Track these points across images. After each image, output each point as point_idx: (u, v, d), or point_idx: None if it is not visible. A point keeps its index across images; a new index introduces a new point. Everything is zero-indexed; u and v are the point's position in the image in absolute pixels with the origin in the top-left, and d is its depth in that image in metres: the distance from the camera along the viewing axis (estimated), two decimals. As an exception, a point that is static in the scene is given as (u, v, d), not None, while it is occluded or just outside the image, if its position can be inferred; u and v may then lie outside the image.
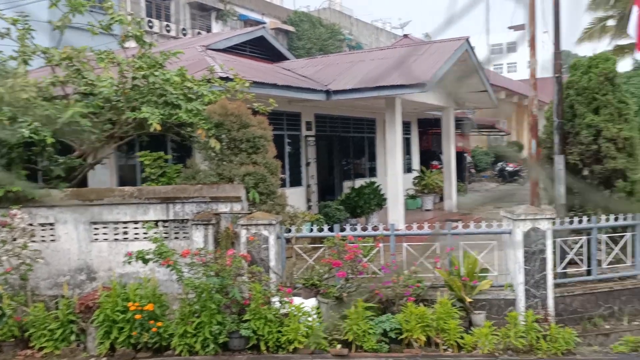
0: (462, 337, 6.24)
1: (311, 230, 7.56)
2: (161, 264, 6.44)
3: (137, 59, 8.22)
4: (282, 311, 6.40)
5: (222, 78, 8.86)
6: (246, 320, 6.27)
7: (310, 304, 6.56)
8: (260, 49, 17.27)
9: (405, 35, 28.90)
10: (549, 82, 8.69)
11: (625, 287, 7.22)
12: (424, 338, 6.26)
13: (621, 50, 31.38)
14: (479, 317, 6.56)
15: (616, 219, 7.38)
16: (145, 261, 6.51)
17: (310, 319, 6.33)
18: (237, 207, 7.36)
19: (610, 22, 31.48)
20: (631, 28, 16.25)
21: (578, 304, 7.01)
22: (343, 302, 6.70)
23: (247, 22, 29.76)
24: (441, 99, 14.93)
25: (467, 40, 13.49)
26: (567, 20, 9.18)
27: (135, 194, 7.49)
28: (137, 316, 6.21)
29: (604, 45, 32.89)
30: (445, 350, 6.25)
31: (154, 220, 7.39)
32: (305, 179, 13.81)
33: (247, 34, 17.06)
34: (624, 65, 31.74)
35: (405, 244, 7.22)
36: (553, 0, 8.40)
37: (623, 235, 7.48)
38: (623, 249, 7.47)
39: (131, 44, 8.83)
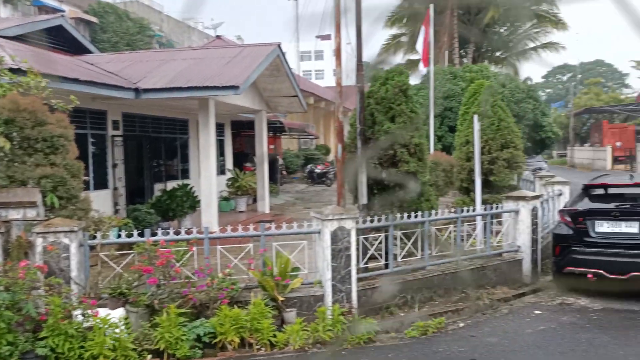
0: (274, 336, 6.42)
1: (119, 236, 7.13)
2: None
3: None
4: (86, 325, 5.93)
5: (12, 70, 7.91)
6: (43, 338, 5.69)
7: (117, 314, 6.18)
8: (58, 39, 15.81)
9: (218, 37, 28.81)
10: (352, 90, 9.35)
11: (416, 277, 8.07)
12: (238, 340, 6.30)
13: (413, 64, 35.12)
14: (291, 314, 6.81)
15: (409, 217, 8.22)
16: None
17: (117, 330, 5.96)
18: (31, 213, 6.63)
19: (404, 39, 35.14)
20: (419, 45, 18.34)
21: (378, 295, 7.64)
22: (155, 310, 6.44)
23: (42, 8, 26.99)
24: (254, 102, 15.19)
25: (279, 45, 13.92)
26: (367, 34, 9.99)
27: None
28: None
29: (399, 58, 36.57)
30: (258, 349, 6.36)
31: None
32: (112, 181, 12.98)
33: (44, 22, 15.53)
34: (415, 78, 35.58)
35: (219, 247, 7.20)
36: (355, 14, 9.07)
37: (415, 232, 8.37)
38: (415, 244, 8.35)
39: None
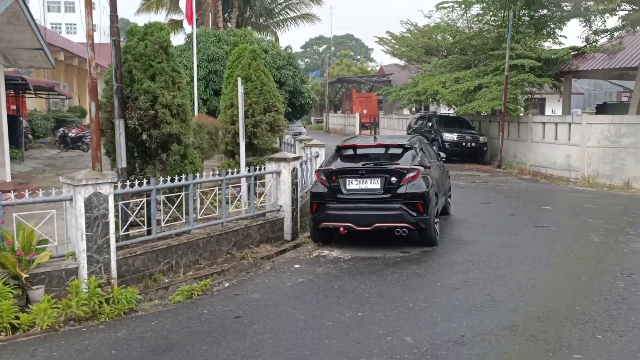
0: (17, 318, 5.66)
1: None
2: None
3: None
4: None
5: None
6: None
7: None
8: None
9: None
10: (109, 47, 8.55)
11: (181, 242, 7.88)
12: (-31, 328, 5.40)
13: (177, 25, 33.88)
14: (38, 292, 6.06)
15: (172, 180, 7.94)
16: None
17: None
18: None
19: (166, -3, 33.56)
20: (182, 3, 17.71)
21: (140, 263, 7.28)
22: None
23: None
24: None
25: (17, -12, 12.02)
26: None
27: None
28: None
29: (161, 18, 34.93)
30: (-3, 336, 5.55)
31: None
32: None
33: None
34: (179, 39, 34.34)
35: (-60, 222, 6.01)
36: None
37: (179, 195, 8.13)
38: (179, 208, 8.13)
39: None
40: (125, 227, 7.36)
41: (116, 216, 7.09)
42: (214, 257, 8.35)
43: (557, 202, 13.60)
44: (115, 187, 6.97)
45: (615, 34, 19.79)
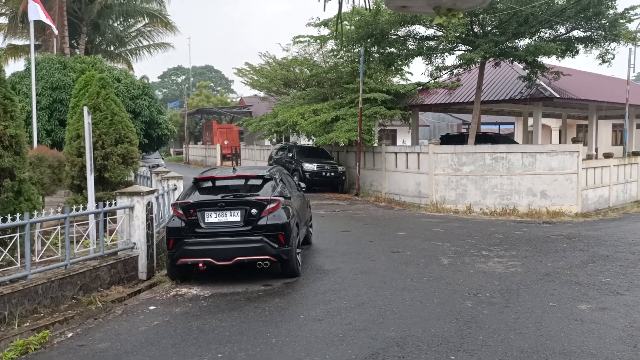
0: None
1: None
2: None
3: None
4: None
5: None
6: None
7: None
8: None
9: None
10: None
11: (15, 289, 6.96)
12: None
13: (16, 50, 31.16)
14: None
15: (4, 220, 7.03)
16: None
17: None
18: None
19: (3, 20, 30.80)
20: (32, 15, 16.12)
21: (-37, 317, 6.30)
22: None
23: None
24: None
25: None
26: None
27: None
28: None
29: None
30: None
31: None
32: None
33: None
34: (19, 66, 31.49)
35: None
36: None
37: (13, 236, 7.22)
38: (16, 250, 7.20)
39: None
40: (-57, 277, 6.34)
41: None
42: (55, 304, 7.49)
43: (410, 228, 14.33)
44: None
45: (455, 72, 21.71)
